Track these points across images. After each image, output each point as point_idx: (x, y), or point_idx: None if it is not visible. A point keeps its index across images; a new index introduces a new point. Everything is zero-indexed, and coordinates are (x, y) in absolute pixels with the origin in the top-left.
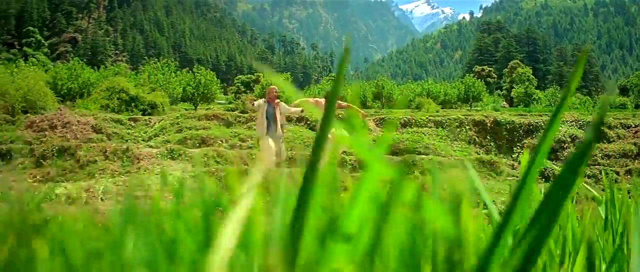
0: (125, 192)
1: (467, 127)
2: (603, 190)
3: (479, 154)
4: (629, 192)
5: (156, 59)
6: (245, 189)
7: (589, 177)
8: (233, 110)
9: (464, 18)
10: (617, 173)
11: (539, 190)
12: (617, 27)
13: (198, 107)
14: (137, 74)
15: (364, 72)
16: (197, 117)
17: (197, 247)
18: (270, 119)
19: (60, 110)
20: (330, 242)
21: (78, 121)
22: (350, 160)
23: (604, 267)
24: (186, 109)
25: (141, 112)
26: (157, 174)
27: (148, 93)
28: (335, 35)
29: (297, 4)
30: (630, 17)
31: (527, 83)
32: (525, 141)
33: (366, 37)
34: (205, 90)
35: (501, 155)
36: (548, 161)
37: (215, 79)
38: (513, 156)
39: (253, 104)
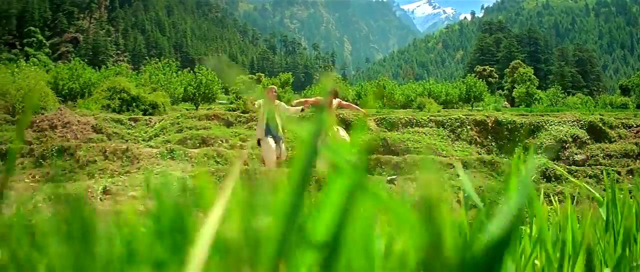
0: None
1: (468, 127)
2: (604, 190)
3: (480, 154)
4: (630, 192)
5: (157, 59)
6: (221, 192)
7: (590, 177)
8: (234, 110)
9: (465, 18)
10: (619, 173)
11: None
12: (619, 27)
13: (199, 107)
14: (139, 74)
15: (365, 72)
16: (198, 117)
17: (164, 251)
18: (272, 119)
19: (61, 110)
20: (297, 249)
21: (78, 121)
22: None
23: (605, 271)
24: (187, 109)
25: (142, 112)
26: (156, 174)
27: (149, 93)
28: (336, 36)
29: (299, 4)
30: (631, 17)
31: (528, 83)
32: (526, 141)
33: (367, 37)
34: (207, 90)
35: (502, 155)
36: (549, 161)
37: (216, 78)
38: (514, 155)
39: (254, 104)
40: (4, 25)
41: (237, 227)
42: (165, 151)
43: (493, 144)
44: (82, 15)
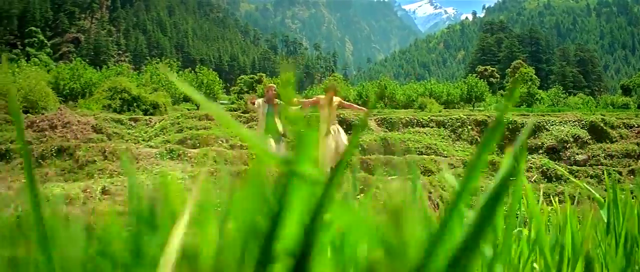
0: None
1: (469, 127)
2: (606, 190)
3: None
4: (632, 193)
5: (159, 59)
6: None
7: (591, 177)
8: (235, 111)
9: (466, 18)
10: (620, 173)
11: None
12: (620, 27)
13: (200, 107)
14: (139, 74)
15: (366, 73)
16: (198, 117)
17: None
18: (271, 119)
19: (61, 110)
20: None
21: (78, 121)
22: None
23: None
24: (188, 109)
25: (143, 112)
26: (155, 174)
27: (150, 93)
28: (338, 36)
29: (300, 4)
30: (633, 17)
31: (529, 83)
32: (527, 141)
33: (369, 38)
34: (208, 91)
35: (503, 155)
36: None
37: (218, 79)
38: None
39: (253, 104)
40: (5, 26)
41: (200, 235)
42: (165, 151)
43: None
44: (83, 15)
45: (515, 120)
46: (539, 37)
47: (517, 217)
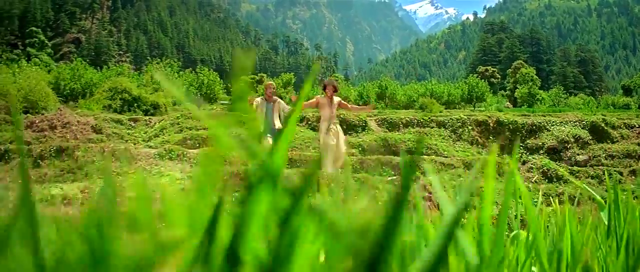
0: None
1: (470, 128)
2: (606, 191)
3: (481, 155)
4: (633, 193)
5: (159, 60)
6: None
7: (592, 177)
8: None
9: (467, 18)
10: (621, 173)
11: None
12: (621, 28)
13: (201, 107)
14: (140, 75)
15: (367, 73)
16: (198, 118)
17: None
18: (269, 117)
19: (60, 110)
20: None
21: (78, 121)
22: (351, 161)
23: None
24: (189, 110)
25: (143, 113)
26: (154, 175)
27: (151, 93)
28: (339, 36)
29: (301, 5)
30: (634, 18)
31: (530, 83)
32: (528, 141)
33: (370, 38)
34: (208, 91)
35: (504, 155)
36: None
37: (218, 79)
38: (516, 156)
39: (251, 104)
40: (6, 26)
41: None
42: (164, 151)
43: (502, 145)
44: (84, 15)
45: (515, 121)
46: (539, 38)
47: (517, 218)
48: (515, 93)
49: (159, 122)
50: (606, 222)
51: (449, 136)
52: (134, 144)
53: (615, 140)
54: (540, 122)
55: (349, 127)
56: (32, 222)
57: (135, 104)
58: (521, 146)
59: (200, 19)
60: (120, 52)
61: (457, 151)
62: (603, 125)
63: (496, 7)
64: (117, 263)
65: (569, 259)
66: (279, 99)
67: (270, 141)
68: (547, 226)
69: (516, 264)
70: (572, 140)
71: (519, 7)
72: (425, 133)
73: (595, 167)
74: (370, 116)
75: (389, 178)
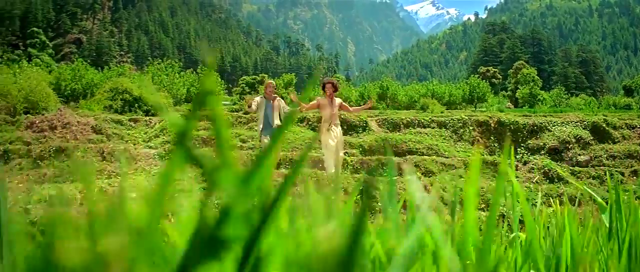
0: None
1: (471, 128)
2: (608, 191)
3: (482, 155)
4: (635, 193)
5: (160, 60)
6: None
7: (593, 178)
8: (237, 111)
9: (469, 19)
10: (622, 174)
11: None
12: (622, 28)
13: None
14: (141, 75)
15: (368, 73)
16: (198, 118)
17: None
18: (268, 115)
19: (60, 110)
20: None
21: (78, 122)
22: (351, 161)
23: None
24: (190, 110)
25: (144, 113)
26: (153, 175)
27: (151, 94)
28: (340, 36)
29: (302, 5)
30: (635, 18)
31: (532, 84)
32: (529, 142)
33: (371, 38)
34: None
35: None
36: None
37: (219, 79)
38: (517, 156)
39: (250, 106)
40: (7, 26)
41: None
42: (164, 152)
43: (496, 144)
44: (85, 16)
45: (517, 121)
46: (541, 38)
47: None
48: (517, 93)
49: (159, 123)
50: (607, 225)
51: (450, 137)
52: (134, 144)
53: (616, 140)
54: (541, 123)
55: (349, 128)
56: None
57: (136, 105)
58: (522, 146)
59: (202, 20)
60: (122, 52)
61: (458, 151)
62: (604, 125)
63: (497, 7)
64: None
65: (569, 262)
66: (279, 98)
67: (267, 140)
68: (548, 227)
69: (514, 267)
70: (574, 140)
71: (520, 8)
72: (426, 133)
73: (596, 167)
74: (371, 116)
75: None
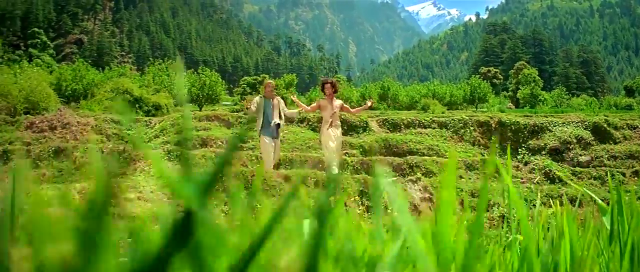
0: None
1: (471, 128)
2: (609, 192)
3: (483, 156)
4: (636, 194)
5: (161, 60)
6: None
7: (595, 178)
8: (237, 112)
9: (470, 19)
10: (624, 174)
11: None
12: (623, 29)
13: (203, 108)
14: (142, 75)
15: (370, 74)
16: (198, 118)
17: None
18: (268, 114)
19: (60, 111)
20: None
21: (78, 122)
22: (351, 162)
23: None
24: (191, 111)
25: (145, 114)
26: (152, 176)
27: (152, 94)
28: (341, 37)
29: (303, 5)
30: (636, 18)
31: (533, 84)
32: (530, 142)
33: (372, 39)
34: (210, 92)
35: (506, 156)
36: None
37: (220, 80)
38: (518, 157)
39: (249, 108)
40: (8, 27)
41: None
42: (163, 152)
43: (496, 145)
44: (86, 16)
45: (518, 122)
46: (542, 39)
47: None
48: (518, 94)
49: (159, 123)
50: (608, 227)
51: (451, 137)
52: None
53: (617, 141)
54: (542, 123)
55: (350, 128)
56: None
57: (137, 105)
58: (523, 146)
59: (203, 20)
60: (123, 53)
61: (459, 151)
62: (605, 126)
63: (498, 8)
64: None
65: (568, 266)
66: (279, 98)
67: (267, 140)
68: (548, 228)
69: (511, 271)
70: (575, 141)
71: (521, 8)
72: (427, 134)
73: (597, 168)
74: (372, 117)
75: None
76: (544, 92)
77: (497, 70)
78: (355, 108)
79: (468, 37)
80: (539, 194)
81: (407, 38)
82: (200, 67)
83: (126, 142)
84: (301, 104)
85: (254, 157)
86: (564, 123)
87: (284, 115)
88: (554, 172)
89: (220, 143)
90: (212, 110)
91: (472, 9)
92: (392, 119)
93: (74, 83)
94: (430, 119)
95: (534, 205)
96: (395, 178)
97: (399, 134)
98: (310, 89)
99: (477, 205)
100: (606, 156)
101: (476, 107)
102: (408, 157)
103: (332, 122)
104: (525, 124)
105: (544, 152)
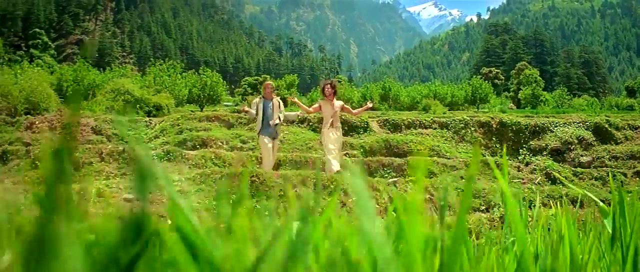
0: None
1: (472, 129)
2: (610, 192)
3: (484, 156)
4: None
5: (162, 61)
6: None
7: (596, 178)
8: (238, 112)
9: (471, 20)
10: (625, 175)
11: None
12: (624, 29)
13: (204, 108)
14: (142, 76)
15: (371, 74)
16: (198, 119)
17: None
18: (267, 115)
19: (60, 111)
20: None
21: (77, 122)
22: (352, 162)
23: None
24: (192, 111)
25: (146, 114)
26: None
27: (153, 94)
28: (342, 37)
29: (305, 6)
30: (637, 19)
31: (534, 85)
32: (531, 142)
33: (374, 39)
34: (211, 92)
35: (507, 157)
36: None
37: (221, 80)
38: (519, 157)
39: (246, 112)
40: (9, 27)
41: None
42: (163, 153)
43: (497, 145)
44: (87, 17)
45: (519, 122)
46: (543, 39)
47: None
48: (519, 94)
49: (159, 123)
50: (610, 230)
51: (452, 138)
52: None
53: (619, 141)
54: (543, 124)
55: (350, 129)
56: None
57: (138, 105)
58: (524, 147)
59: (204, 21)
60: (124, 53)
61: (459, 152)
62: (607, 126)
63: (500, 8)
64: None
65: (568, 271)
66: (279, 98)
67: (266, 140)
68: (549, 229)
69: None
70: (576, 141)
71: (522, 9)
72: (428, 134)
73: (598, 168)
74: (372, 117)
75: (390, 180)
76: (545, 93)
77: (498, 70)
78: (356, 109)
79: (469, 38)
80: (538, 195)
81: (409, 38)
82: (201, 68)
83: (126, 142)
84: (302, 105)
85: (254, 158)
86: (565, 123)
87: (281, 117)
88: (556, 172)
89: (221, 143)
90: (213, 110)
91: (474, 10)
92: (393, 120)
93: (74, 83)
94: (431, 119)
95: (535, 206)
96: (395, 178)
97: (399, 134)
98: (311, 89)
99: (460, 206)
100: (607, 157)
101: (477, 108)
102: (409, 157)
103: (332, 122)
104: (527, 125)
105: (545, 153)
